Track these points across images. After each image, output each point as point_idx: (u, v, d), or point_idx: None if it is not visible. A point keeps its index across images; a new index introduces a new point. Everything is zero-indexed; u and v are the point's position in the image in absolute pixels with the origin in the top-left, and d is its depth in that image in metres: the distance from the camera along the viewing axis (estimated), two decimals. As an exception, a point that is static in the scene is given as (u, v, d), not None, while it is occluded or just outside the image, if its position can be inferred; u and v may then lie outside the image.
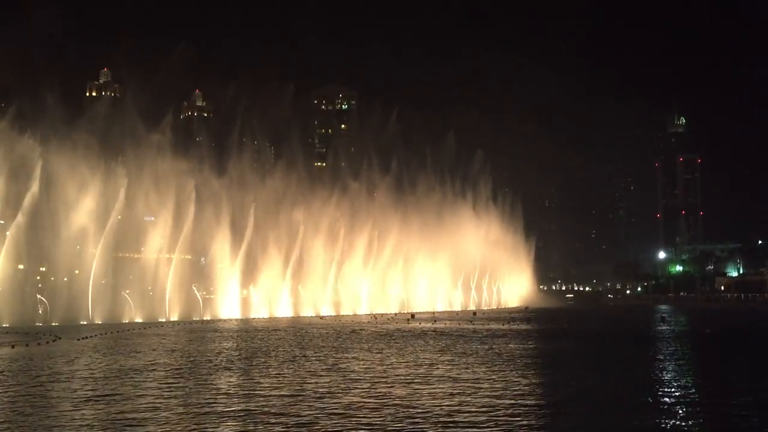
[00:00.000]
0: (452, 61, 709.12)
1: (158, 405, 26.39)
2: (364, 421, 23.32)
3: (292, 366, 39.14)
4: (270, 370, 37.52)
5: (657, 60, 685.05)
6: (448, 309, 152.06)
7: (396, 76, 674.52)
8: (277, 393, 29.24)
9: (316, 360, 42.41)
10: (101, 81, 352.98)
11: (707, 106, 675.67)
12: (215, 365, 39.69)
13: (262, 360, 42.65)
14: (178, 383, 32.30)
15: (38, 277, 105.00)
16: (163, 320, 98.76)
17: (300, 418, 23.72)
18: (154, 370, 37.38)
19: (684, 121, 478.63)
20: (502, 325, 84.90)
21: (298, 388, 30.65)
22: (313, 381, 32.77)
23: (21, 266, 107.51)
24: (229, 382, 33.07)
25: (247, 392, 29.55)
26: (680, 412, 25.37)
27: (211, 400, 27.55)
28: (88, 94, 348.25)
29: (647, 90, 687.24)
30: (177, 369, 37.89)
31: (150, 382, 32.77)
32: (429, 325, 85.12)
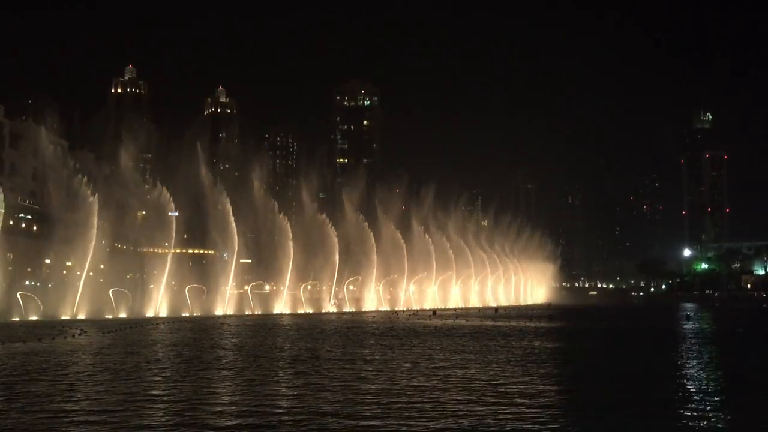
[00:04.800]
0: (476, 54, 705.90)
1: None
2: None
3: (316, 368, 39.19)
4: (316, 370, 37.56)
5: (683, 55, 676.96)
6: (470, 305, 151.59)
7: (419, 73, 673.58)
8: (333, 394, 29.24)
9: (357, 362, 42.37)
10: (126, 77, 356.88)
11: (734, 102, 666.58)
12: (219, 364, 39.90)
13: (282, 358, 42.76)
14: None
15: (64, 272, 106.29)
16: (187, 315, 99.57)
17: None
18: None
19: (710, 116, 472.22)
20: (524, 322, 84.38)
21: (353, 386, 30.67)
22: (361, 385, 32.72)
23: (48, 260, 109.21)
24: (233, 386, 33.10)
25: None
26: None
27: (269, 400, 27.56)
28: (113, 91, 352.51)
29: (673, 85, 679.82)
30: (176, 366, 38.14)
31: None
32: (451, 321, 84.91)
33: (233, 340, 54.67)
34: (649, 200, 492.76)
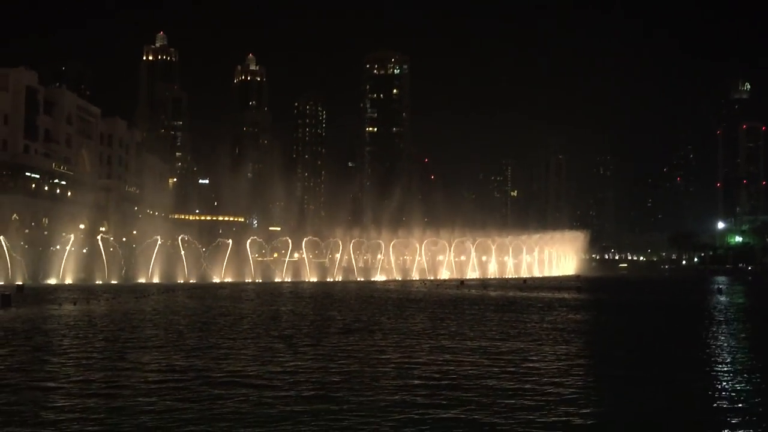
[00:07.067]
0: (509, 22, 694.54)
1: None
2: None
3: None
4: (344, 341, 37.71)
5: (721, 25, 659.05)
6: (498, 276, 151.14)
7: (449, 41, 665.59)
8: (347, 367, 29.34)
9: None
10: (157, 45, 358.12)
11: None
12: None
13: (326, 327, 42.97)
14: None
15: (98, 237, 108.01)
16: (218, 281, 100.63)
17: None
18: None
19: (748, 87, 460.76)
20: (553, 294, 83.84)
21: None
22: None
23: (81, 226, 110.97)
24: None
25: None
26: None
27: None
28: (144, 58, 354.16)
29: (711, 55, 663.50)
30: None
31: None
32: (479, 292, 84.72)
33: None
34: (682, 172, 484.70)
